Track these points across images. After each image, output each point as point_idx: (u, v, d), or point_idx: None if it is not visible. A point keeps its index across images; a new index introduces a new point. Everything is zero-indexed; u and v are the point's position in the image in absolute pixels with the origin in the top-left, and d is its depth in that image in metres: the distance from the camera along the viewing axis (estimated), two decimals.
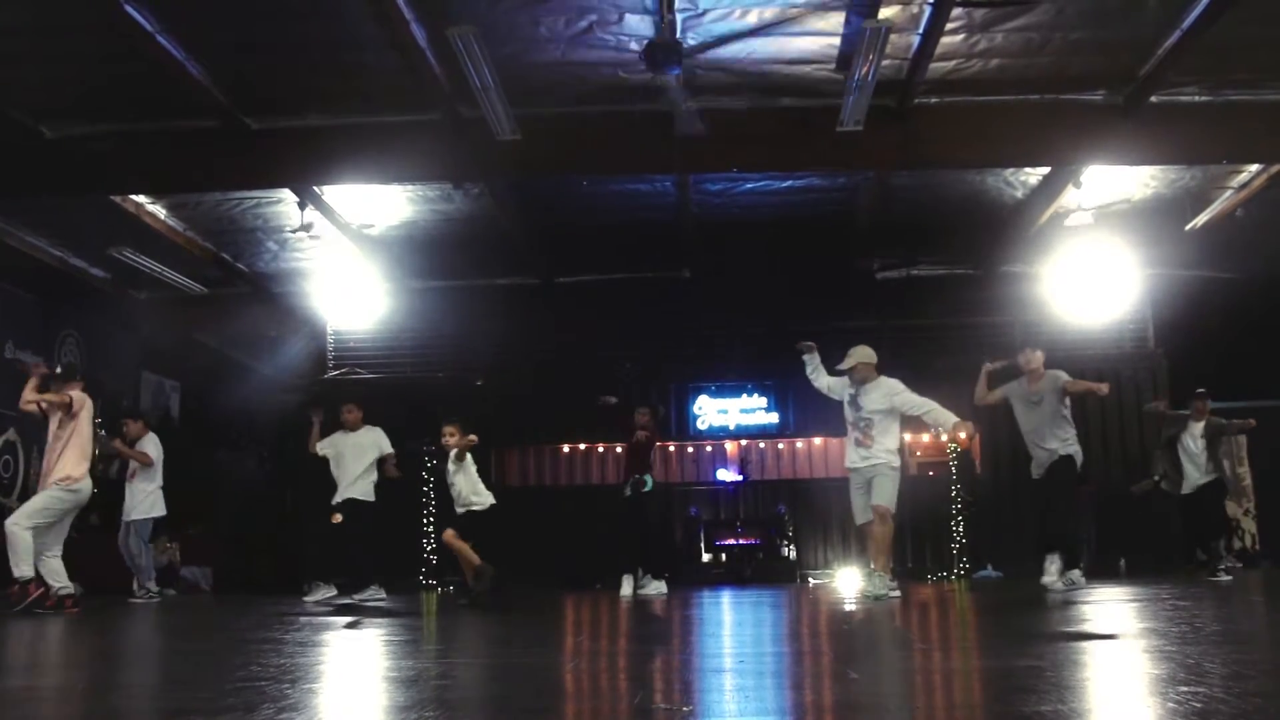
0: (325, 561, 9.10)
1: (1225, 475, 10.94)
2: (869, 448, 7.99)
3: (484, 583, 7.99)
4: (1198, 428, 10.58)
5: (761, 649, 4.64)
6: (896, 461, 8.02)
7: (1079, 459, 8.45)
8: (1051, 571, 8.15)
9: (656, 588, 9.48)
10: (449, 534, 8.30)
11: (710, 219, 11.80)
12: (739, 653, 4.46)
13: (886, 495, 7.90)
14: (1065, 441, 8.36)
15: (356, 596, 8.54)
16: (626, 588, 9.50)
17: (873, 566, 8.04)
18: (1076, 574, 8.27)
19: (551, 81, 8.60)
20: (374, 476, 9.07)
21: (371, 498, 9.03)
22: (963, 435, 8.46)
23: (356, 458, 9.01)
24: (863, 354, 8.13)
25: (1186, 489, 10.64)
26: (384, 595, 8.74)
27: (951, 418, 8.03)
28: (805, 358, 8.48)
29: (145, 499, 9.89)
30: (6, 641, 5.74)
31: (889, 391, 8.05)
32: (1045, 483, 8.41)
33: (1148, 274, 12.95)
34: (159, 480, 9.98)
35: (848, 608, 7.35)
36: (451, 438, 8.24)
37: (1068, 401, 8.47)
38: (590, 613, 7.39)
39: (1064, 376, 8.53)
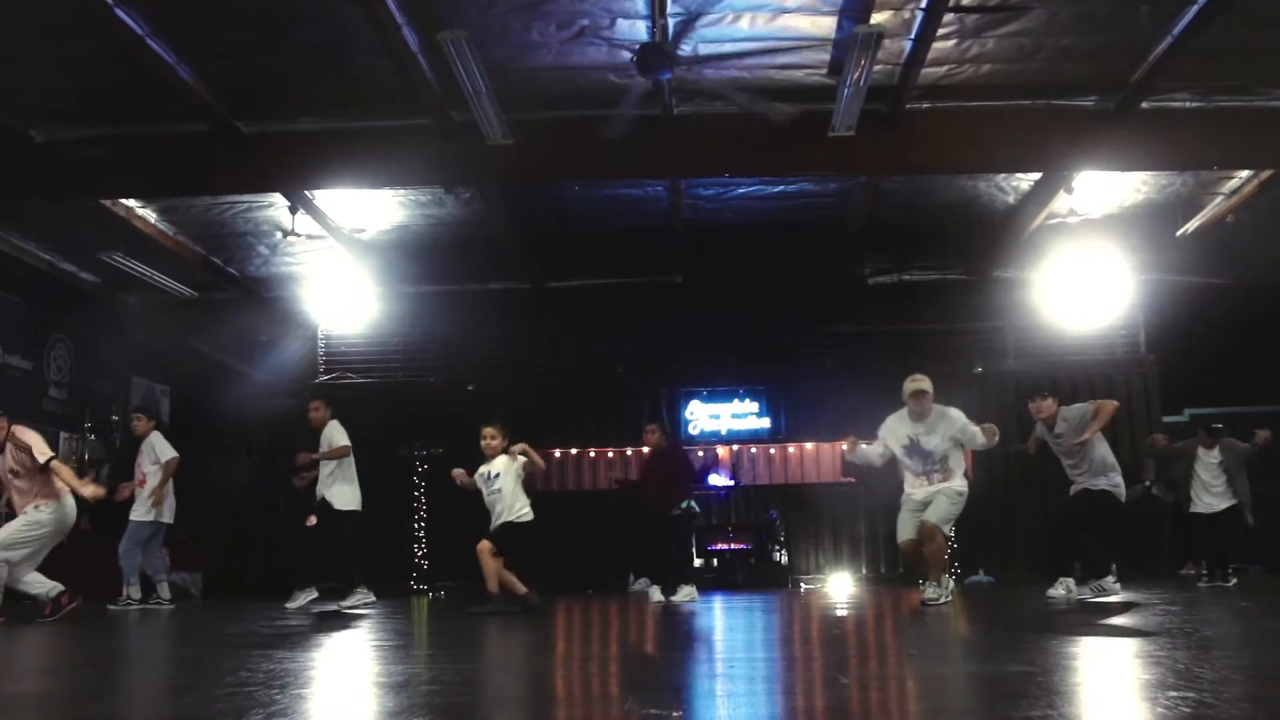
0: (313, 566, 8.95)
1: (1244, 498, 10.34)
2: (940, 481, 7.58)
3: (512, 605, 7.49)
4: (1212, 455, 10.29)
5: (752, 654, 4.62)
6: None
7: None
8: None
9: (688, 593, 9.20)
10: (486, 547, 7.61)
11: (702, 224, 11.80)
12: (729, 658, 4.45)
13: (940, 513, 7.48)
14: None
15: (343, 604, 8.40)
16: (657, 594, 9.32)
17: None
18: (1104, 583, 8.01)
19: (543, 86, 8.59)
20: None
21: (350, 505, 8.69)
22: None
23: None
24: (927, 383, 7.60)
25: (1199, 508, 10.35)
26: (372, 598, 8.56)
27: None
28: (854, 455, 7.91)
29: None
30: None
31: (956, 424, 7.55)
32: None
33: (1139, 280, 12.97)
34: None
35: (839, 613, 7.34)
36: (494, 440, 7.73)
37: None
38: (582, 617, 7.37)
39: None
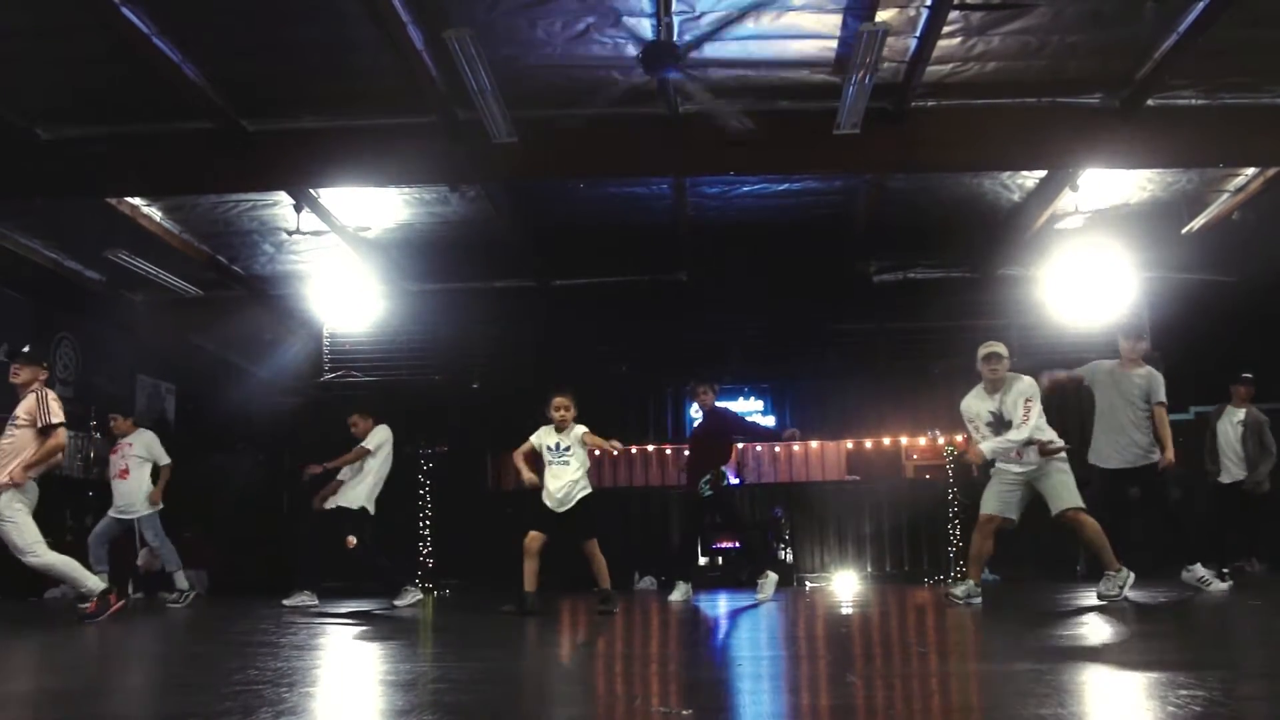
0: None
1: (1263, 475, 9.81)
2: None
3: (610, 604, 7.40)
4: (1238, 414, 9.93)
5: (759, 653, 4.62)
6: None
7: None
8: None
9: (683, 591, 9.08)
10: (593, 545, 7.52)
11: (707, 222, 11.79)
12: (736, 656, 4.45)
13: (1071, 493, 7.01)
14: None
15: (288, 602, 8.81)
16: (679, 593, 9.05)
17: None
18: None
19: (548, 84, 8.58)
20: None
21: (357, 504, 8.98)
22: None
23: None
24: (1001, 346, 7.19)
25: (1225, 479, 9.91)
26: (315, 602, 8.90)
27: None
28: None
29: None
30: (5, 647, 5.73)
31: (1022, 392, 7.07)
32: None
33: (1145, 277, 12.94)
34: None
35: (845, 611, 7.34)
36: (567, 412, 7.43)
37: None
38: (588, 616, 7.38)
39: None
